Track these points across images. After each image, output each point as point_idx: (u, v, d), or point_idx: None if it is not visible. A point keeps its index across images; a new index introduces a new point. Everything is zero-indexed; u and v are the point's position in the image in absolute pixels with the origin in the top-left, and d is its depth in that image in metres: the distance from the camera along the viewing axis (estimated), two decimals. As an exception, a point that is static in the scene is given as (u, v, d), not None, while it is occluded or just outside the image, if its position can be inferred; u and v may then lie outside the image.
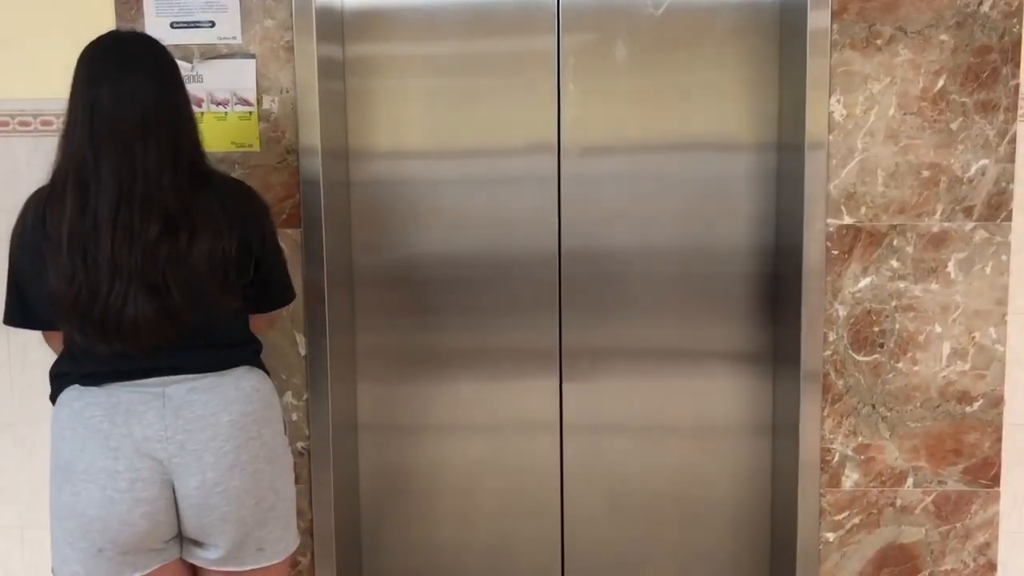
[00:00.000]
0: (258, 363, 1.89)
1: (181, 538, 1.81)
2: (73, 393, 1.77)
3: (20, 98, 2.25)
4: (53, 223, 1.69)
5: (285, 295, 2.01)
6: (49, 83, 2.23)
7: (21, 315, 1.84)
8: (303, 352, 2.26)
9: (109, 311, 1.67)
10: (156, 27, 2.16)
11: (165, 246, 1.67)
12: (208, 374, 1.77)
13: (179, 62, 2.14)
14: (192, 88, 2.16)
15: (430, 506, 2.49)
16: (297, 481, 2.23)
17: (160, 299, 1.68)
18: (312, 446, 2.28)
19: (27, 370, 2.32)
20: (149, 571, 1.77)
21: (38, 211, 1.73)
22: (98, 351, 1.71)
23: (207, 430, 1.73)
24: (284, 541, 1.86)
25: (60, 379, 1.82)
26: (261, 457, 1.78)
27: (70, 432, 1.75)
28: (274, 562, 1.84)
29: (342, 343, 2.33)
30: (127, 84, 1.70)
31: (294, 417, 2.28)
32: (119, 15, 2.18)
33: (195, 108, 2.14)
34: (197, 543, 1.80)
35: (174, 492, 1.74)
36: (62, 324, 1.75)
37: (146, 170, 1.68)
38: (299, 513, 2.23)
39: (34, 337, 2.31)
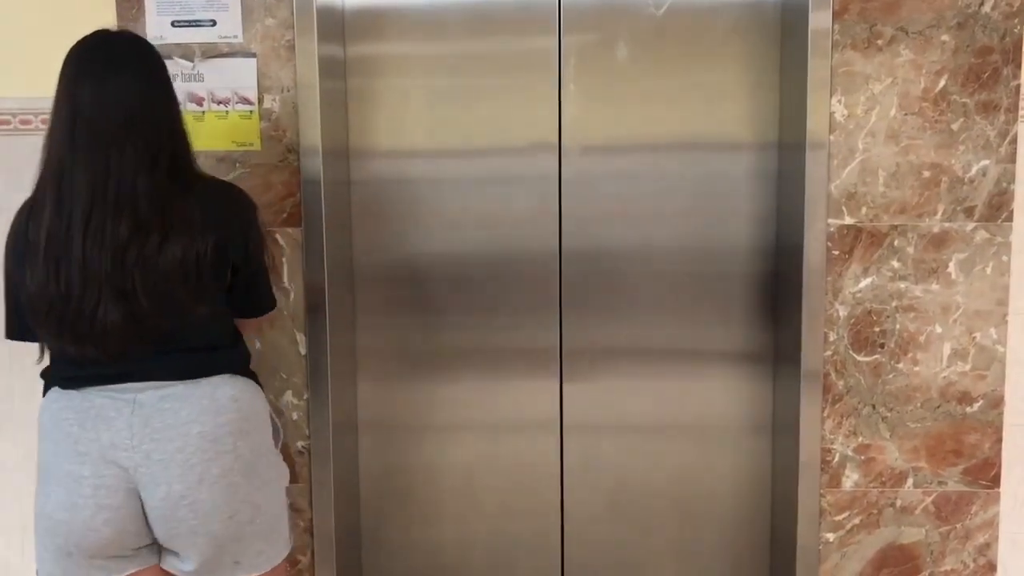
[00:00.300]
0: (242, 370, 1.84)
1: (160, 545, 1.78)
2: (53, 395, 1.77)
3: (21, 96, 2.24)
4: (33, 228, 1.68)
5: (263, 303, 1.96)
6: (50, 82, 2.22)
7: (22, 328, 1.80)
8: (303, 351, 2.26)
9: (82, 315, 1.65)
10: (157, 26, 2.16)
11: (135, 249, 1.64)
12: (181, 381, 1.73)
13: (180, 61, 2.16)
14: (193, 87, 2.17)
15: (430, 505, 2.49)
16: (297, 480, 2.24)
17: (128, 304, 1.65)
18: (312, 445, 2.28)
19: (26, 370, 2.31)
20: (124, 575, 1.75)
21: (23, 218, 1.72)
22: (70, 355, 1.70)
23: (176, 440, 1.69)
24: (265, 554, 1.81)
25: (46, 380, 1.82)
26: (235, 470, 1.73)
27: (47, 433, 1.75)
28: (252, 575, 1.80)
29: (342, 342, 2.33)
30: (111, 84, 1.68)
31: (294, 416, 2.27)
32: (120, 14, 2.17)
33: (196, 107, 2.16)
34: (172, 552, 1.78)
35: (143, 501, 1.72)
36: (38, 328, 1.73)
37: (120, 172, 1.65)
38: (299, 512, 2.25)
39: (34, 336, 2.31)
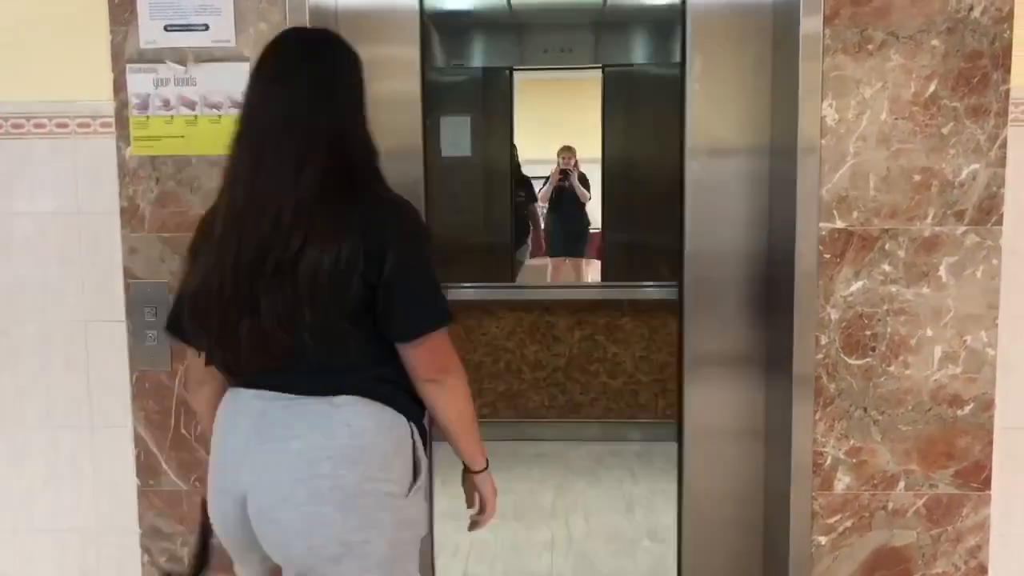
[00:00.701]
0: (378, 394, 1.65)
1: None
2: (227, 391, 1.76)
3: (13, 100, 2.24)
4: (215, 226, 1.66)
5: (399, 326, 1.65)
6: (43, 86, 2.23)
7: (177, 323, 1.74)
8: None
9: (227, 323, 1.62)
10: (150, 30, 2.16)
11: (271, 264, 1.57)
12: (302, 396, 1.63)
13: (173, 65, 2.16)
14: (186, 91, 2.17)
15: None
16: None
17: (254, 320, 1.59)
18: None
19: (19, 375, 2.32)
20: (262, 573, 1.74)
21: (210, 214, 1.71)
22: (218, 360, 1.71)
23: (274, 453, 1.62)
24: None
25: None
26: (327, 500, 1.59)
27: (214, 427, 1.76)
28: None
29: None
30: (274, 90, 1.64)
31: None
32: (113, 17, 2.17)
33: (189, 112, 2.16)
34: None
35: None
36: (190, 321, 1.70)
37: (266, 181, 1.60)
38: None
39: (27, 340, 2.31)
